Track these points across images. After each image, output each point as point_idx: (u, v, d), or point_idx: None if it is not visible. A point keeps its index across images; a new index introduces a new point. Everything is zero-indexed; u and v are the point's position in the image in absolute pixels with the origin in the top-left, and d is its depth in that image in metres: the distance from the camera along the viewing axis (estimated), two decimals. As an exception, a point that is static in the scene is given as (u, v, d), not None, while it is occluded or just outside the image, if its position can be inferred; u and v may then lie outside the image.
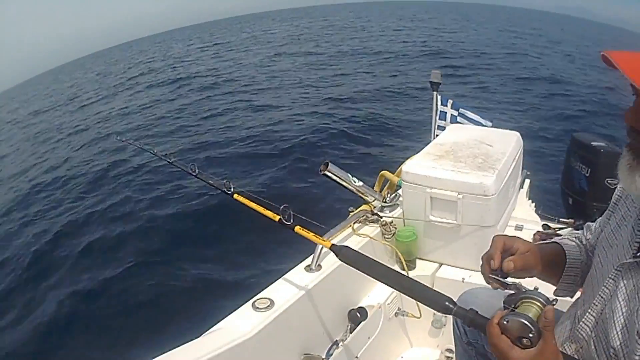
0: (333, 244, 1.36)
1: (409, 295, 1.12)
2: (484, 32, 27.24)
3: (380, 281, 1.24)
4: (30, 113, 18.08)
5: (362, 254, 1.32)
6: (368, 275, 1.27)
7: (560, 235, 2.18)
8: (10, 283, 5.00)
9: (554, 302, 0.88)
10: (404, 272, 1.97)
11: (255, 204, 1.56)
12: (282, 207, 1.50)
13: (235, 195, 1.63)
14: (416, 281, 1.13)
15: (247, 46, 25.09)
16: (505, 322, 0.83)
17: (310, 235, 1.47)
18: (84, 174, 7.64)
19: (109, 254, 5.00)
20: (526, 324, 0.81)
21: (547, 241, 1.19)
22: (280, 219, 1.49)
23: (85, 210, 6.19)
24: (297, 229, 1.49)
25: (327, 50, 19.13)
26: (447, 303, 1.01)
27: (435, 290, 1.08)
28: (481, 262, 1.03)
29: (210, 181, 1.76)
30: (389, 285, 1.21)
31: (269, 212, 1.52)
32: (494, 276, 0.98)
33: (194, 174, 1.83)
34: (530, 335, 0.81)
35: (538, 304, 0.86)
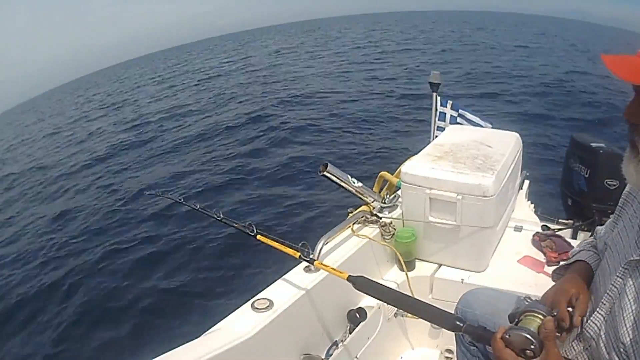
0: (350, 275, 1.41)
1: (421, 317, 1.17)
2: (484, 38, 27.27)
3: (394, 306, 1.36)
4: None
5: (377, 283, 1.39)
6: (383, 301, 1.36)
7: (560, 237, 2.19)
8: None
9: (555, 314, 0.92)
10: (406, 272, 1.99)
11: (276, 243, 1.68)
12: (300, 244, 1.64)
13: (259, 236, 1.74)
14: (427, 303, 1.18)
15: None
16: (507, 337, 0.88)
17: (328, 269, 1.55)
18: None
19: (115, 263, 5.03)
20: (527, 337, 0.86)
21: (572, 260, 1.20)
22: (300, 255, 1.62)
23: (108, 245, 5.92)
24: (317, 263, 1.61)
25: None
26: (457, 322, 1.05)
27: (445, 311, 1.12)
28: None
29: (235, 224, 1.87)
30: (403, 309, 1.30)
31: (290, 249, 1.65)
32: (561, 332, 1.00)
33: (219, 218, 1.93)
34: (532, 346, 0.85)
35: (540, 316, 0.90)
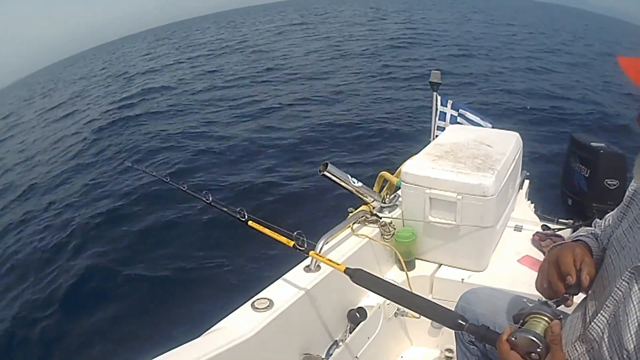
0: (347, 267, 1.39)
1: (421, 314, 1.16)
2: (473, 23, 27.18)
3: (393, 301, 1.29)
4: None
5: (376, 276, 1.36)
6: (382, 296, 1.32)
7: (560, 237, 2.19)
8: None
9: (561, 317, 0.91)
10: (406, 272, 1.99)
11: (269, 231, 1.62)
12: (295, 233, 1.57)
13: (250, 222, 1.68)
14: (428, 300, 1.17)
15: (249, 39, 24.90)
16: (513, 339, 0.87)
17: (325, 260, 1.53)
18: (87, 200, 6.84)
19: (113, 258, 5.02)
20: (534, 340, 0.85)
21: (575, 240, 1.18)
22: (294, 244, 1.56)
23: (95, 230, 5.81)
24: (312, 253, 1.57)
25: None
26: (459, 320, 1.04)
27: (446, 308, 1.11)
28: (544, 284, 1.03)
29: (224, 209, 1.79)
30: (402, 305, 1.25)
31: (284, 238, 1.58)
32: (570, 293, 0.98)
33: (208, 201, 1.86)
34: (538, 350, 0.84)
35: (546, 318, 0.89)
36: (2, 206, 7.62)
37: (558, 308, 0.96)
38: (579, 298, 1.13)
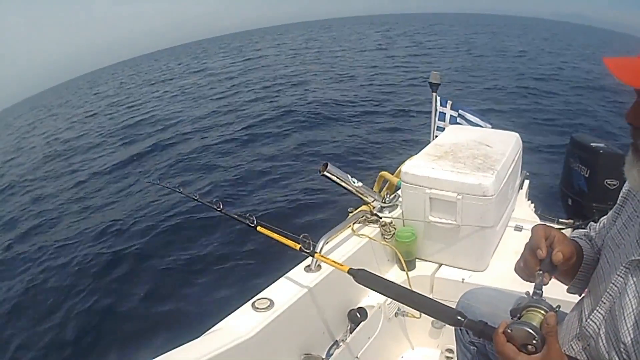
0: (350, 268, 1.41)
1: (422, 311, 1.17)
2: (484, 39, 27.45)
3: (394, 299, 1.32)
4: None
5: (378, 276, 1.39)
6: (384, 295, 1.37)
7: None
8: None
9: (557, 309, 0.91)
10: (406, 271, 1.99)
11: (277, 235, 1.68)
12: (301, 236, 1.63)
13: (259, 228, 1.73)
14: (428, 297, 1.19)
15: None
16: (509, 331, 0.87)
17: (329, 261, 1.56)
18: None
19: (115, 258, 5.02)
20: (529, 332, 0.85)
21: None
22: (300, 247, 1.62)
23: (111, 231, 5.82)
24: (317, 255, 1.62)
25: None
26: (458, 317, 1.05)
27: (445, 305, 1.12)
28: (520, 264, 1.04)
29: (235, 216, 1.84)
30: (403, 303, 1.27)
31: (290, 241, 1.64)
32: (543, 270, 0.98)
33: (220, 209, 1.91)
34: (534, 341, 0.84)
35: (542, 311, 0.89)
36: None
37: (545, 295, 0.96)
38: (575, 298, 1.14)
